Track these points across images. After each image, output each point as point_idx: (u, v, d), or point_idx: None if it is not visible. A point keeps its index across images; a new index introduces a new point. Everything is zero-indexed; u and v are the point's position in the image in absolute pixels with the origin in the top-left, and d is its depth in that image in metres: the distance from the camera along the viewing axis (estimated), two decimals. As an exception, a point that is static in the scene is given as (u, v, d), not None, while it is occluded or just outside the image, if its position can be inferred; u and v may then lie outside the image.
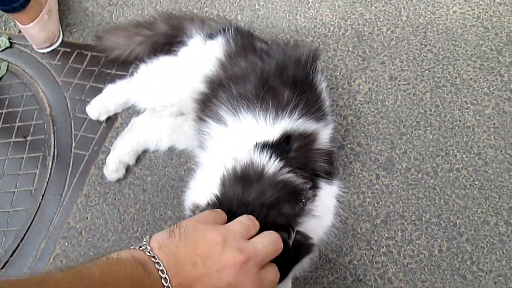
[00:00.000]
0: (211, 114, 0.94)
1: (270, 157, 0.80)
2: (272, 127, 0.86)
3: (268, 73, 0.94)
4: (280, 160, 0.80)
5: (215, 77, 1.00)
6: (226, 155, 0.86)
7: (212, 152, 0.93)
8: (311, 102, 0.91)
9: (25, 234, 1.18)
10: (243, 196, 0.74)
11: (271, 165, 0.79)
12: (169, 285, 0.53)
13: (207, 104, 0.97)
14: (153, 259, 0.54)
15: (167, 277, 0.53)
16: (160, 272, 0.53)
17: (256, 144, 0.83)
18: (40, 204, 1.22)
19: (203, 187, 0.83)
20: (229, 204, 0.73)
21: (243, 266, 0.57)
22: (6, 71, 1.47)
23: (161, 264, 0.54)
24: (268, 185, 0.76)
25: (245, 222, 0.64)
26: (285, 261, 0.65)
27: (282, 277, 0.72)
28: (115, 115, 1.31)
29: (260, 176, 0.77)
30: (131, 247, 0.57)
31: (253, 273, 0.58)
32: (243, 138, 0.87)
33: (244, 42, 1.05)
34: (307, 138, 0.88)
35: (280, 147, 0.84)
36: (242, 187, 0.75)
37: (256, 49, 1.04)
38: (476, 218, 1.03)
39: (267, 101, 0.88)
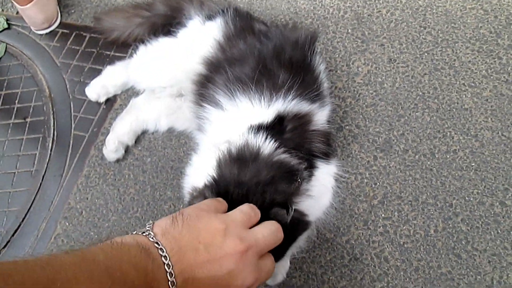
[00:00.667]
0: (209, 99, 0.95)
1: (266, 138, 0.81)
2: (267, 109, 0.87)
3: (266, 55, 0.93)
4: (275, 141, 0.81)
5: (214, 58, 1.00)
6: (222, 138, 0.86)
7: (211, 136, 0.94)
8: (306, 83, 0.91)
9: (26, 214, 1.19)
10: (239, 176, 0.74)
11: (266, 146, 0.80)
12: (172, 271, 0.53)
13: (205, 87, 0.98)
14: (156, 245, 0.55)
15: (170, 263, 0.54)
16: (163, 258, 0.54)
17: (251, 126, 0.84)
18: (40, 184, 1.23)
19: (200, 171, 0.83)
20: (225, 185, 0.73)
21: (243, 254, 0.57)
22: (5, 52, 1.47)
23: (164, 250, 0.54)
24: (264, 164, 0.76)
25: (246, 210, 0.64)
26: (283, 239, 0.66)
27: (281, 256, 0.73)
28: (114, 96, 1.31)
29: (256, 157, 0.78)
30: (134, 232, 0.57)
31: (253, 262, 0.59)
32: (240, 121, 0.87)
33: (243, 23, 1.04)
34: (302, 119, 0.88)
35: (275, 128, 0.84)
36: (238, 167, 0.76)
37: (254, 31, 1.03)
38: (472, 199, 1.04)
39: (262, 83, 0.88)
